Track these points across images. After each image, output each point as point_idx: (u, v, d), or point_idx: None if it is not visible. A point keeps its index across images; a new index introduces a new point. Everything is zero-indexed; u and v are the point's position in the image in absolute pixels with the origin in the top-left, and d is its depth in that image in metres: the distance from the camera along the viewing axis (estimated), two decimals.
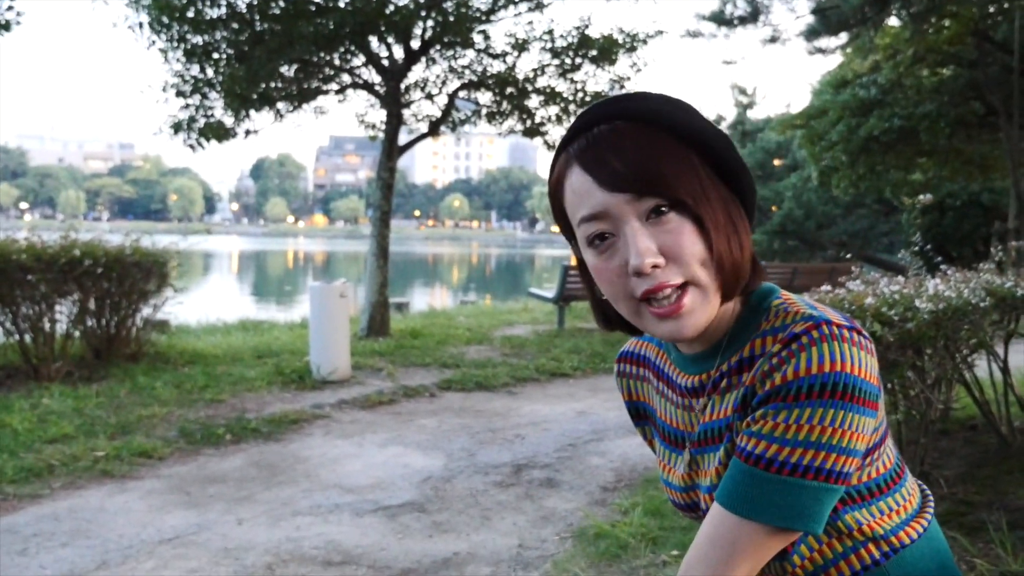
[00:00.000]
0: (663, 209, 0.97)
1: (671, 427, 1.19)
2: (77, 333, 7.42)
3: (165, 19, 8.98)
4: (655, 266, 0.96)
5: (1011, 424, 4.28)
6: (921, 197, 5.41)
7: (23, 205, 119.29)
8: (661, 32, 10.79)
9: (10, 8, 9.13)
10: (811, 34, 13.11)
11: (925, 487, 1.19)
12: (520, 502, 4.46)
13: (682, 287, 0.97)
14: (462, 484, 4.75)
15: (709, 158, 1.02)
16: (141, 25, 9.19)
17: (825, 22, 12.71)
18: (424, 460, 5.21)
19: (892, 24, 14.42)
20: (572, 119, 9.29)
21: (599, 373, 8.20)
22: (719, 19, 12.70)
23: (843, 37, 13.99)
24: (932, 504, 1.15)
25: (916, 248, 4.13)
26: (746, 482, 0.97)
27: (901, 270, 4.26)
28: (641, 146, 0.98)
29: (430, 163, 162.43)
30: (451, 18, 9.65)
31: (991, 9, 13.08)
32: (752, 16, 12.82)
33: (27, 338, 7.00)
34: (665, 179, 0.97)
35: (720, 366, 1.07)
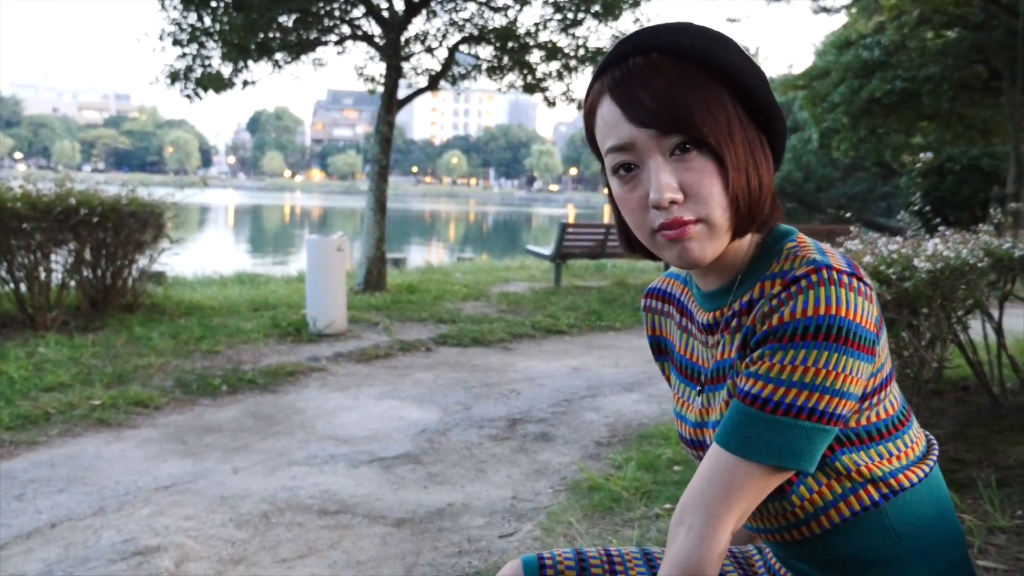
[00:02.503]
0: (687, 146, 0.99)
1: (690, 361, 1.23)
2: (73, 283, 7.40)
3: None
4: (673, 202, 0.99)
5: (1003, 384, 4.30)
6: (922, 156, 5.38)
7: (17, 155, 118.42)
8: None
9: None
10: None
11: (931, 436, 1.21)
12: (514, 455, 4.49)
13: (695, 223, 1.00)
14: (457, 437, 4.78)
15: (742, 95, 1.03)
16: None
17: None
18: (420, 413, 5.23)
19: None
20: (574, 75, 9.24)
21: (595, 331, 8.22)
22: None
23: None
24: (936, 453, 1.17)
25: (915, 208, 4.12)
26: (742, 421, 1.00)
27: (899, 233, 4.26)
28: (672, 82, 0.99)
29: (428, 119, 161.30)
30: None
31: None
32: None
33: (23, 287, 6.98)
34: (692, 118, 0.98)
35: (732, 304, 1.10)
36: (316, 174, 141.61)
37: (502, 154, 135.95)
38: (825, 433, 0.98)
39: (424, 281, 10.91)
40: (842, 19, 17.29)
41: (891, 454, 1.08)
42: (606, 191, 1.12)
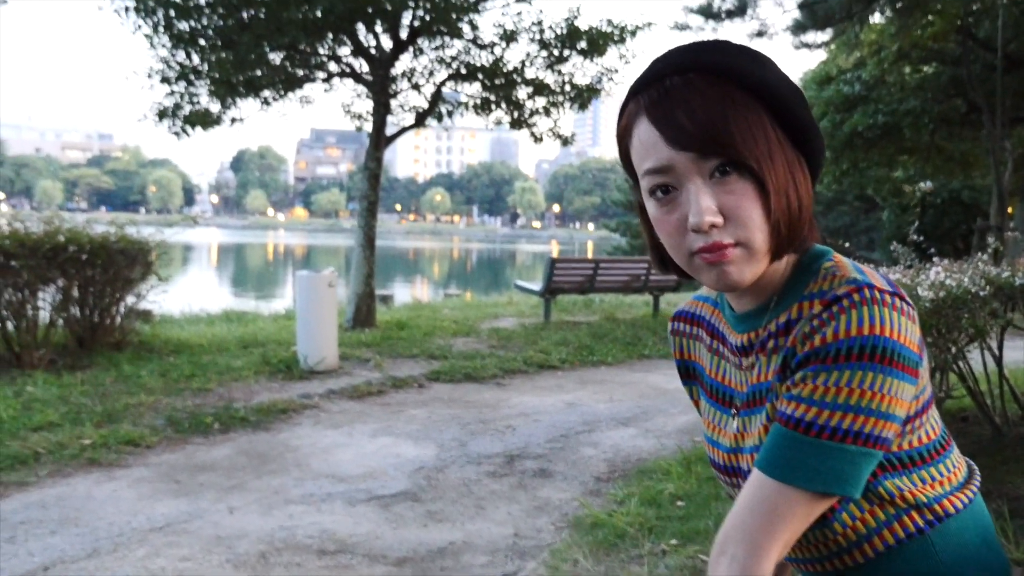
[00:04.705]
0: (727, 168, 0.97)
1: (723, 385, 1.19)
2: (60, 321, 7.31)
3: (151, 3, 8.86)
4: (713, 225, 0.97)
5: (1005, 414, 4.30)
6: (922, 185, 5.43)
7: None
8: (649, 24, 10.76)
9: None
10: (797, 29, 13.16)
11: (972, 463, 1.18)
12: (514, 492, 4.43)
13: (735, 246, 0.98)
14: (455, 474, 4.72)
15: (780, 114, 1.01)
16: (127, 10, 9.05)
17: (812, 17, 12.77)
18: (416, 450, 5.17)
19: (877, 21, 14.50)
20: (560, 111, 9.31)
21: (587, 365, 8.19)
22: (707, 12, 12.73)
23: (829, 32, 14.04)
24: (978, 479, 1.14)
25: (915, 238, 4.13)
26: (785, 446, 0.97)
27: (877, 265, 4.27)
28: (710, 103, 0.97)
29: (411, 157, 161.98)
30: (440, 7, 9.59)
31: (975, 7, 13.17)
32: (740, 10, 12.85)
33: (9, 325, 6.89)
34: (732, 140, 0.96)
35: (767, 325, 1.07)
36: (300, 212, 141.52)
37: (485, 191, 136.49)
38: (871, 457, 0.95)
39: (413, 317, 10.86)
40: (822, 55, 17.54)
41: (934, 479, 1.05)
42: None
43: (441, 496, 4.34)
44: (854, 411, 0.92)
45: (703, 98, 0.98)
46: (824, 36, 14.15)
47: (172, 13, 9.05)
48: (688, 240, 0.99)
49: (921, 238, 4.74)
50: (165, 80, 9.86)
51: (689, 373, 1.31)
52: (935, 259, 4.02)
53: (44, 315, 7.16)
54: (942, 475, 1.06)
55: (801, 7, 12.80)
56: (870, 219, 26.95)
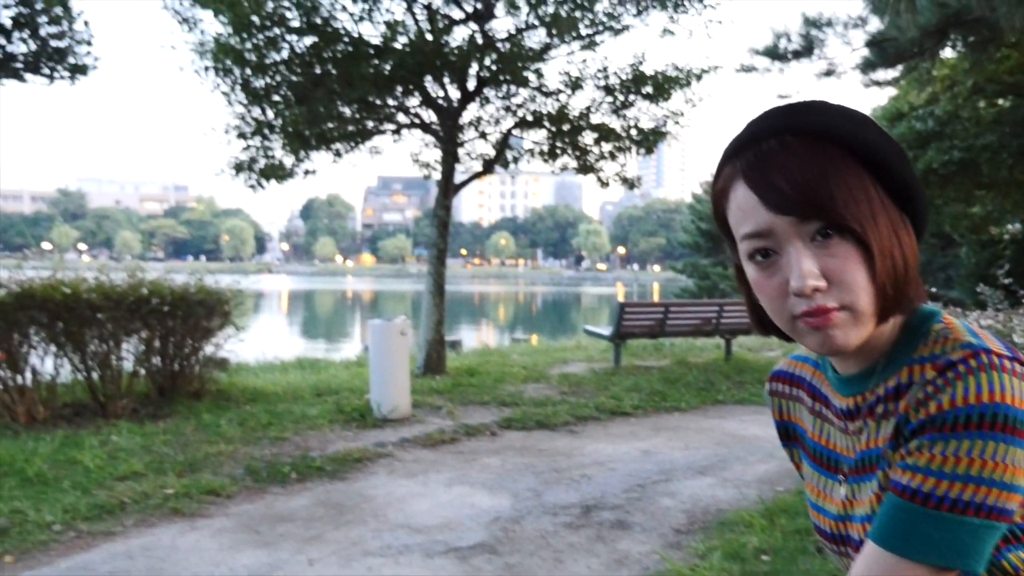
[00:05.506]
0: (828, 231, 0.95)
1: (827, 449, 1.16)
2: (142, 371, 7.52)
3: (229, 63, 9.19)
4: (816, 289, 0.95)
5: None
6: (1009, 227, 5.24)
7: (81, 246, 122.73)
8: (715, 67, 10.76)
9: (88, 53, 9.46)
10: (867, 67, 12.95)
11: None
12: (592, 544, 4.36)
13: (839, 310, 0.96)
14: (531, 525, 4.67)
15: (882, 174, 0.99)
16: (207, 69, 9.41)
17: (882, 54, 12.55)
18: (491, 500, 5.14)
19: (949, 56, 14.22)
20: (626, 155, 9.34)
21: (660, 412, 8.07)
22: (773, 54, 12.61)
23: (899, 69, 13.81)
24: None
25: (1006, 281, 3.98)
26: (902, 517, 0.93)
27: (959, 304, 4.11)
28: (810, 166, 0.96)
29: (476, 201, 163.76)
30: (506, 57, 9.74)
31: None
32: (806, 50, 12.71)
33: (95, 375, 7.11)
34: (833, 203, 0.95)
35: (875, 389, 1.04)
36: (367, 258, 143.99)
37: (549, 234, 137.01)
38: (994, 530, 0.91)
39: (483, 363, 10.88)
40: (890, 91, 17.25)
41: None
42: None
43: (519, 548, 4.29)
44: (975, 482, 0.89)
45: (800, 160, 0.97)
46: (894, 73, 13.91)
47: (248, 71, 9.38)
48: (790, 304, 0.97)
49: (1010, 280, 4.57)
50: (241, 135, 10.19)
51: (789, 435, 1.27)
52: None
53: (127, 365, 7.38)
54: None
55: (870, 45, 12.62)
56: (947, 256, 26.19)
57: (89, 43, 10.33)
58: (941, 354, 0.95)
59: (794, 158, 0.97)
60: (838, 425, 1.13)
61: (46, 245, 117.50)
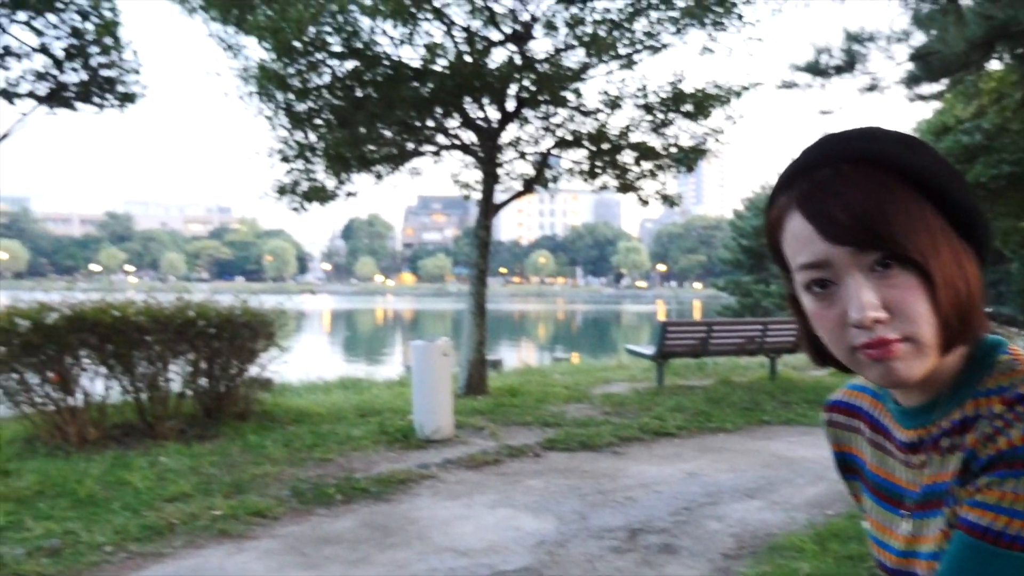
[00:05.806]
0: (888, 261, 0.93)
1: (888, 482, 1.13)
2: (189, 392, 7.62)
3: (272, 88, 9.34)
4: (877, 320, 0.92)
5: None
6: None
7: (128, 267, 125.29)
8: (756, 84, 10.69)
9: (136, 81, 9.68)
10: (911, 81, 12.75)
11: None
12: (639, 569, 4.31)
13: (901, 342, 0.93)
14: (577, 548, 4.63)
15: (941, 201, 0.96)
16: (251, 94, 9.58)
17: (926, 68, 12.36)
18: (535, 523, 5.10)
19: (996, 68, 13.98)
20: (666, 174, 9.29)
21: (705, 432, 7.97)
22: (814, 69, 12.49)
23: (945, 83, 13.59)
24: None
25: None
26: (971, 557, 0.90)
27: (1010, 322, 4.00)
28: (867, 195, 0.93)
29: (515, 220, 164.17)
30: (545, 78, 9.77)
31: None
32: (848, 65, 12.56)
33: (143, 397, 7.22)
34: (891, 233, 0.92)
35: (939, 422, 1.01)
36: (407, 277, 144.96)
37: (589, 252, 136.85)
38: None
39: (524, 383, 10.85)
40: (935, 105, 16.98)
41: None
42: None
43: (565, 573, 4.25)
44: None
45: (857, 189, 0.94)
46: (940, 87, 13.68)
47: (291, 96, 9.53)
48: (849, 335, 0.95)
49: None
50: (285, 159, 10.34)
51: (848, 467, 1.24)
52: None
53: (174, 386, 7.49)
54: None
55: (914, 59, 12.44)
56: (998, 272, 25.66)
57: (137, 72, 10.60)
58: (1009, 387, 0.93)
59: (850, 186, 0.95)
60: (900, 458, 1.10)
61: (94, 267, 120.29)
